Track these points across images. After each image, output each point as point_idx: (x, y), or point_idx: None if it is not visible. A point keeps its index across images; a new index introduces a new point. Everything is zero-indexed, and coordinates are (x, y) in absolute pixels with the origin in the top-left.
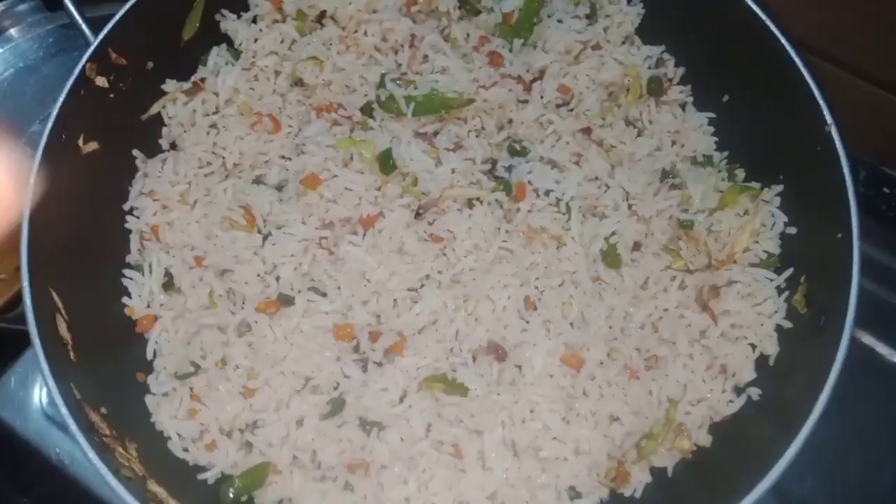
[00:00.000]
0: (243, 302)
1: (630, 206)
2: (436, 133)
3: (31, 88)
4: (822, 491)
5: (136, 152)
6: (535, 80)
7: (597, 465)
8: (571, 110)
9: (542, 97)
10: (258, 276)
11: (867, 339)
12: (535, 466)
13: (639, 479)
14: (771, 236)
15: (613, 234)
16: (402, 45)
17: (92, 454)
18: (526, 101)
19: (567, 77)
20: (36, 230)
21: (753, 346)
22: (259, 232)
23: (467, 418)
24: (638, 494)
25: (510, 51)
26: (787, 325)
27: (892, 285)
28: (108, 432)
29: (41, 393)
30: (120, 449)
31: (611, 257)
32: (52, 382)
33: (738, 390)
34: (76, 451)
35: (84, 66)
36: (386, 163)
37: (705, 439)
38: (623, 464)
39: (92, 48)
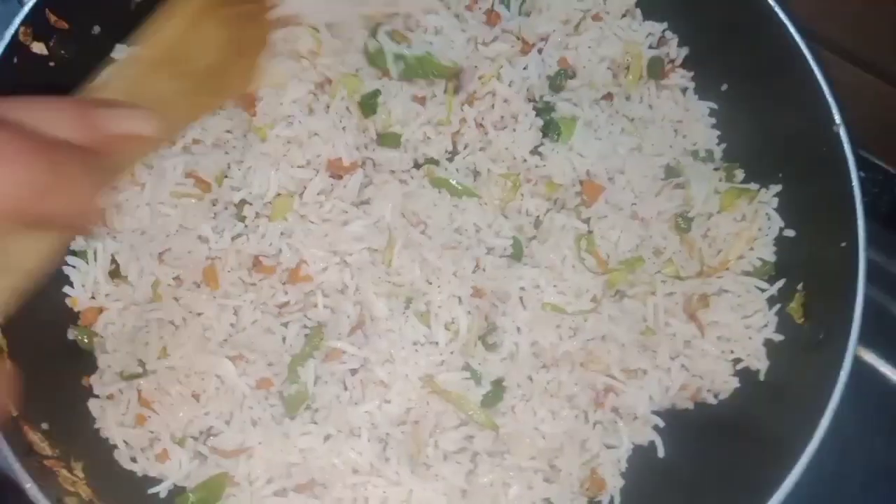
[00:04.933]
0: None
1: (632, 206)
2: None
3: None
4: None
5: None
6: (533, 44)
7: (570, 477)
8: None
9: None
10: (199, 237)
11: (869, 357)
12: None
13: (613, 485)
14: (766, 242)
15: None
16: None
17: (30, 484)
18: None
19: (568, 49)
20: None
21: (737, 362)
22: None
23: None
24: (617, 500)
25: (507, 8)
26: (779, 338)
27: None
28: (49, 453)
29: None
30: (64, 471)
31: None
32: None
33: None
34: None
35: (17, 31)
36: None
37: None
38: (596, 470)
39: (26, 9)
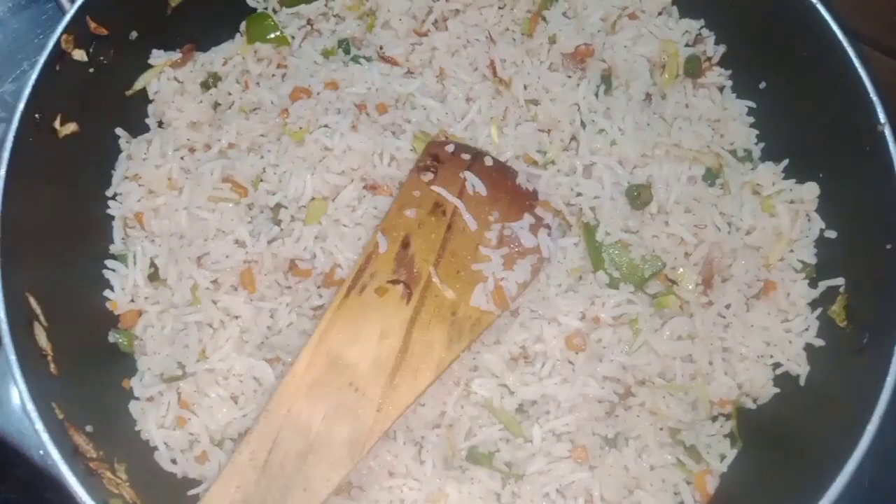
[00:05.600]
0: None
1: (667, 224)
2: None
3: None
4: None
5: (119, 131)
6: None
7: None
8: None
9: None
10: (235, 241)
11: None
12: None
13: None
14: (806, 244)
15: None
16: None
17: (78, 487)
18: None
19: (606, 51)
20: (9, 229)
21: (776, 367)
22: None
23: None
24: None
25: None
26: (820, 342)
27: None
28: (94, 454)
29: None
30: (108, 473)
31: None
32: (31, 406)
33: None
34: None
35: (59, 39)
36: None
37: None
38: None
39: (68, 17)
